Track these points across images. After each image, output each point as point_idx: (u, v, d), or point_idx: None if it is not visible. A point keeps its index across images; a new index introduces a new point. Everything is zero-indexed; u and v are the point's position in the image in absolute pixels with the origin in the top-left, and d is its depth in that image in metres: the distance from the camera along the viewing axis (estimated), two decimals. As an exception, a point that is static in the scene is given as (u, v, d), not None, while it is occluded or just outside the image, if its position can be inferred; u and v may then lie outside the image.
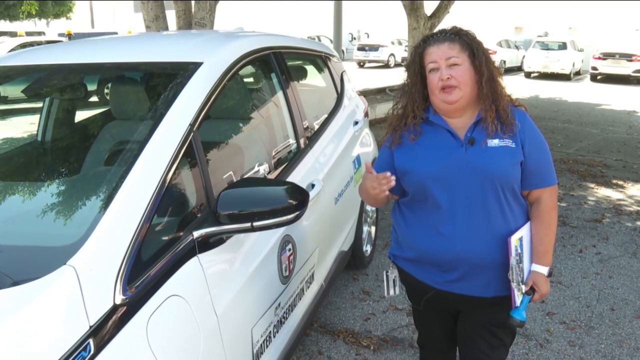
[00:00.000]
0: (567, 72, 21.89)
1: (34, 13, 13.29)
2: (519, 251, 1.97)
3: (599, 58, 21.18)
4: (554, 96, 16.49)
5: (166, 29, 7.50)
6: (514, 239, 1.95)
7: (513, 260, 1.95)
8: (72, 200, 1.87)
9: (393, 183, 1.86)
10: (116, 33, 16.55)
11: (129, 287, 1.55)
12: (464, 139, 1.95)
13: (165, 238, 1.78)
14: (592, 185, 6.81)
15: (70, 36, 17.54)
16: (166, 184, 1.79)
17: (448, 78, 1.90)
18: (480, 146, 1.93)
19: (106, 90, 2.72)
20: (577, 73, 23.58)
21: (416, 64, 2.01)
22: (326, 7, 19.62)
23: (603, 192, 6.54)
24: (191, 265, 1.81)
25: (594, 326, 3.58)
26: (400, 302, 3.78)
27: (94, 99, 2.80)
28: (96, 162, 2.15)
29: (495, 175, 1.91)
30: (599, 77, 21.63)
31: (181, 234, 1.83)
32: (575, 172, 7.32)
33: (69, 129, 2.92)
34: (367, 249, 4.29)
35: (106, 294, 1.48)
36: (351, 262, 3.98)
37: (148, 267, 1.65)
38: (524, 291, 2.01)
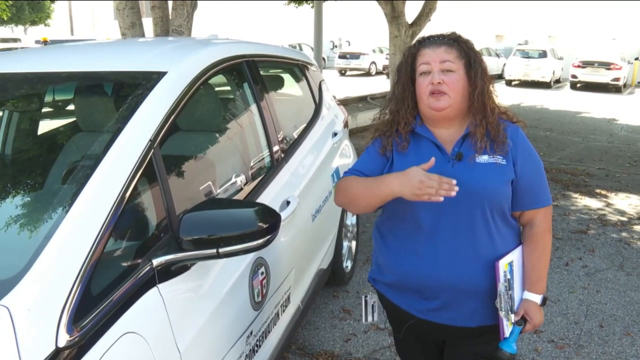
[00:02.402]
0: (547, 80, 22.04)
1: (5, 19, 12.97)
2: (508, 277, 1.81)
3: (579, 66, 21.38)
4: (535, 104, 16.54)
5: (142, 36, 7.31)
6: (502, 264, 1.79)
7: (501, 287, 1.79)
8: (14, 225, 1.68)
9: (454, 193, 1.59)
10: (94, 40, 16.26)
11: (76, 327, 1.37)
12: (451, 154, 1.80)
13: (120, 268, 1.59)
14: (575, 195, 6.73)
15: (45, 43, 17.22)
16: (122, 207, 1.61)
17: (439, 83, 1.74)
18: (468, 162, 1.77)
19: (58, 99, 2.53)
20: (557, 81, 23.77)
21: (408, 66, 1.85)
22: (307, 15, 19.54)
23: (587, 202, 6.45)
24: (150, 297, 1.62)
25: (583, 344, 3.45)
26: (382, 321, 3.61)
27: (49, 109, 2.61)
28: (50, 182, 1.96)
29: (483, 193, 1.75)
30: (578, 85, 21.83)
31: (139, 262, 1.65)
32: (559, 182, 7.24)
33: (27, 142, 2.71)
34: (348, 264, 4.12)
35: (47, 336, 1.30)
36: (331, 278, 3.80)
37: (99, 302, 1.47)
38: (513, 321, 1.85)
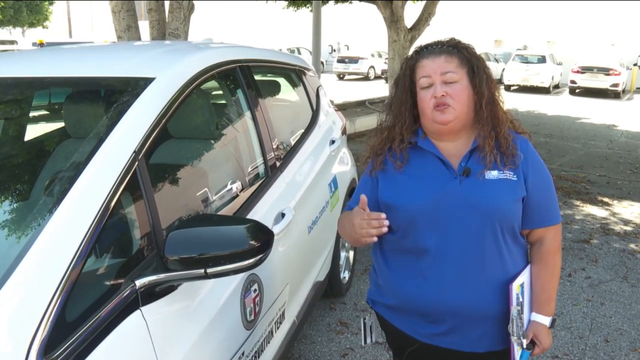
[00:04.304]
0: (546, 85, 22.00)
1: (0, 18, 12.85)
2: (521, 299, 1.70)
3: (578, 72, 21.37)
4: (534, 109, 16.46)
5: (139, 39, 7.20)
6: (515, 286, 1.67)
7: (514, 311, 1.67)
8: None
9: (385, 229, 1.60)
10: (92, 42, 16.12)
11: (47, 358, 1.25)
12: (458, 170, 1.68)
13: (99, 290, 1.48)
14: (577, 202, 6.62)
15: (42, 45, 17.11)
16: (102, 223, 1.50)
17: (443, 95, 1.63)
18: (477, 178, 1.65)
19: (42, 105, 2.41)
20: (556, 86, 23.74)
21: (406, 78, 1.73)
22: (306, 19, 19.45)
23: (589, 210, 6.35)
24: (132, 322, 1.51)
25: (588, 361, 3.34)
26: (380, 335, 3.49)
27: (34, 115, 2.49)
28: (25, 195, 1.84)
29: (494, 212, 1.63)
30: (577, 91, 21.79)
31: (120, 282, 1.53)
32: (560, 189, 7.12)
33: (13, 149, 2.59)
34: (345, 275, 4.00)
35: (12, 371, 1.18)
36: (328, 290, 3.69)
37: (75, 329, 1.35)
38: (524, 345, 1.73)
